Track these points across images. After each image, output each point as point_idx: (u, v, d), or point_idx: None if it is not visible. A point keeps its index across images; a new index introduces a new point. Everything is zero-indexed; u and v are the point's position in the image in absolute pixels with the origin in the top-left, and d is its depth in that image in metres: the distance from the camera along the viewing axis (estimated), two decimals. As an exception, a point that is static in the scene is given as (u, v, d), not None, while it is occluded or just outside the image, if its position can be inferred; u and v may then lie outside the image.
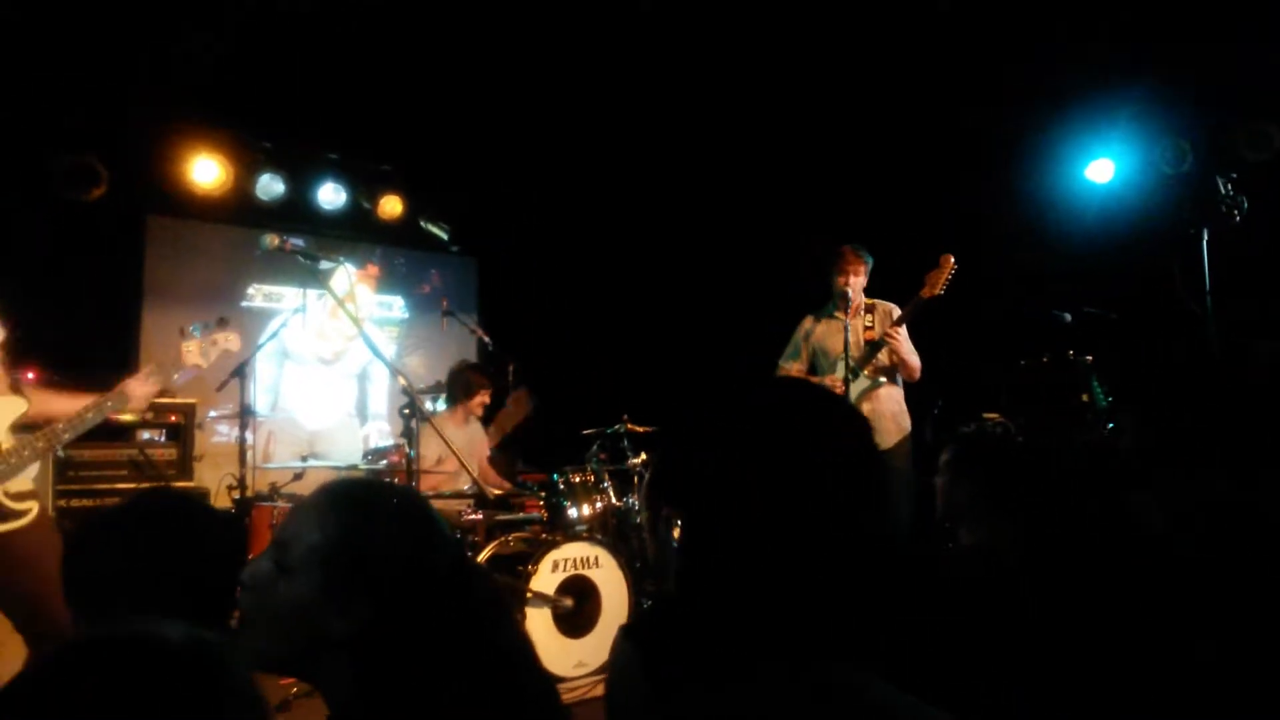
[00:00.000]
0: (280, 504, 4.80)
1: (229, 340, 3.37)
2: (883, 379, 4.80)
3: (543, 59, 5.62)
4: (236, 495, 4.74)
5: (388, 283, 7.93)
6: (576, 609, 4.39)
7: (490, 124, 6.43)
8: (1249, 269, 4.70)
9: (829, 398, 1.13)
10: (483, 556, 4.44)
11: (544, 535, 4.70)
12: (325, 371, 7.48)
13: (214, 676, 0.81)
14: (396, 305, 8.01)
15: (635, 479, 5.64)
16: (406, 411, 4.05)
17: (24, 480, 2.91)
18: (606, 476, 5.27)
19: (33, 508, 2.88)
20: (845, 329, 4.64)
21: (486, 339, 6.17)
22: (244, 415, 4.65)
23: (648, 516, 1.09)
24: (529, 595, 4.23)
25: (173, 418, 5.41)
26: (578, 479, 5.07)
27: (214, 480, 5.60)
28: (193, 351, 3.26)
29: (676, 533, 1.02)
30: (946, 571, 2.15)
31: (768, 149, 6.51)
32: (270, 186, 6.66)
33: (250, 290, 7.17)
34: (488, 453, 5.93)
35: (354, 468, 5.05)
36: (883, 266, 4.94)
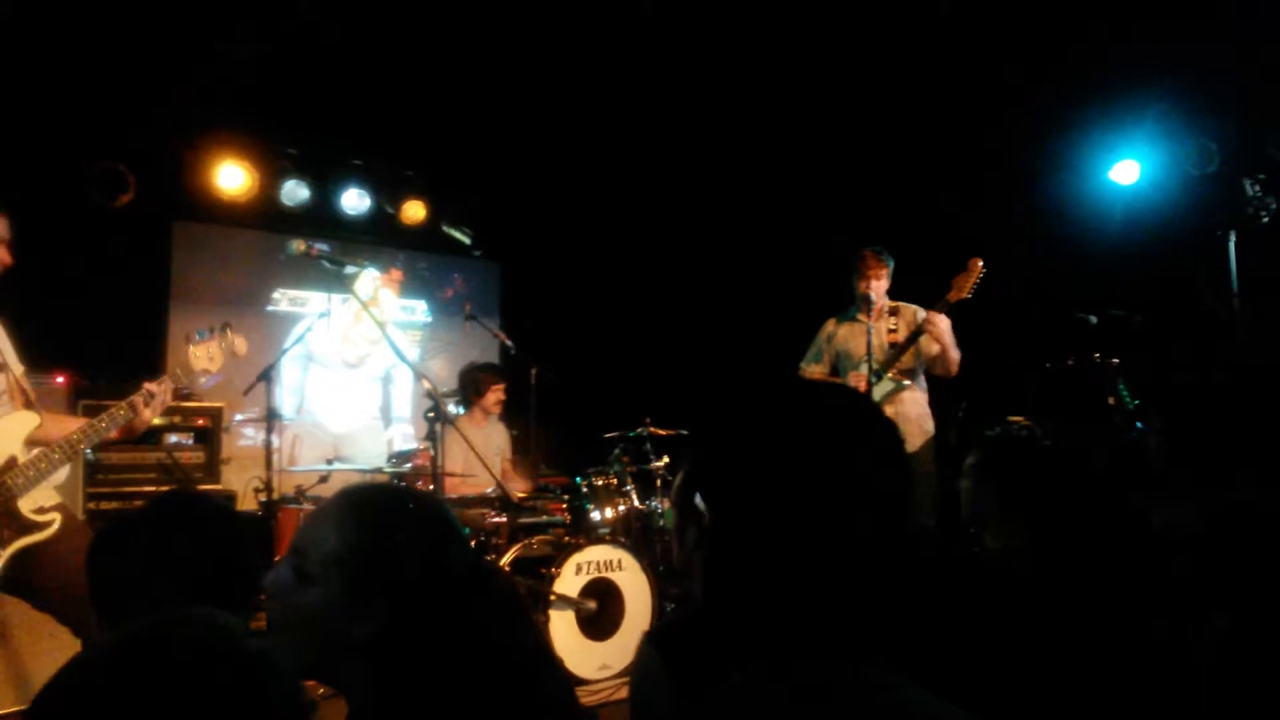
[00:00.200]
0: (306, 506, 4.85)
1: (233, 343, 3.38)
2: (906, 382, 4.78)
3: (564, 64, 5.63)
4: (263, 498, 4.78)
5: (411, 287, 7.98)
6: (600, 612, 4.40)
7: (512, 129, 6.45)
8: (1277, 270, 4.65)
9: (856, 399, 1.13)
10: (506, 559, 4.46)
11: (567, 538, 4.72)
12: (349, 375, 7.53)
13: (262, 676, 0.82)
14: (419, 309, 8.05)
15: (658, 482, 5.64)
16: (431, 415, 4.08)
17: (47, 492, 2.93)
18: (629, 479, 5.28)
19: (55, 519, 2.90)
20: (868, 332, 4.63)
21: (509, 343, 6.19)
22: (270, 419, 4.69)
23: (676, 519, 1.09)
24: (553, 598, 4.24)
25: (200, 421, 5.48)
26: (600, 482, 5.09)
27: (241, 483, 5.66)
28: (200, 356, 3.27)
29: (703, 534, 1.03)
30: (971, 575, 2.14)
31: (792, 152, 6.49)
32: (295, 192, 6.72)
33: (276, 295, 7.23)
34: (509, 453, 5.95)
35: (379, 471, 5.08)
36: (909, 269, 4.92)
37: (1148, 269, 5.34)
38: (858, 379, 4.69)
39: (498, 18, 5.17)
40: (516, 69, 5.70)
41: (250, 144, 6.46)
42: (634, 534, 5.08)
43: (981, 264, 4.52)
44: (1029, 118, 5.71)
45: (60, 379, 4.95)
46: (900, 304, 4.89)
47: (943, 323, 4.55)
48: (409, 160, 7.20)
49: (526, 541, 4.65)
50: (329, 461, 5.84)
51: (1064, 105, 5.72)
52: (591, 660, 4.32)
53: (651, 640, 1.11)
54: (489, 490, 4.92)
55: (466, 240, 7.40)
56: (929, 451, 4.76)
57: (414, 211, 7.25)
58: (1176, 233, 5.35)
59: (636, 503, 5.23)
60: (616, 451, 5.67)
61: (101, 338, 5.78)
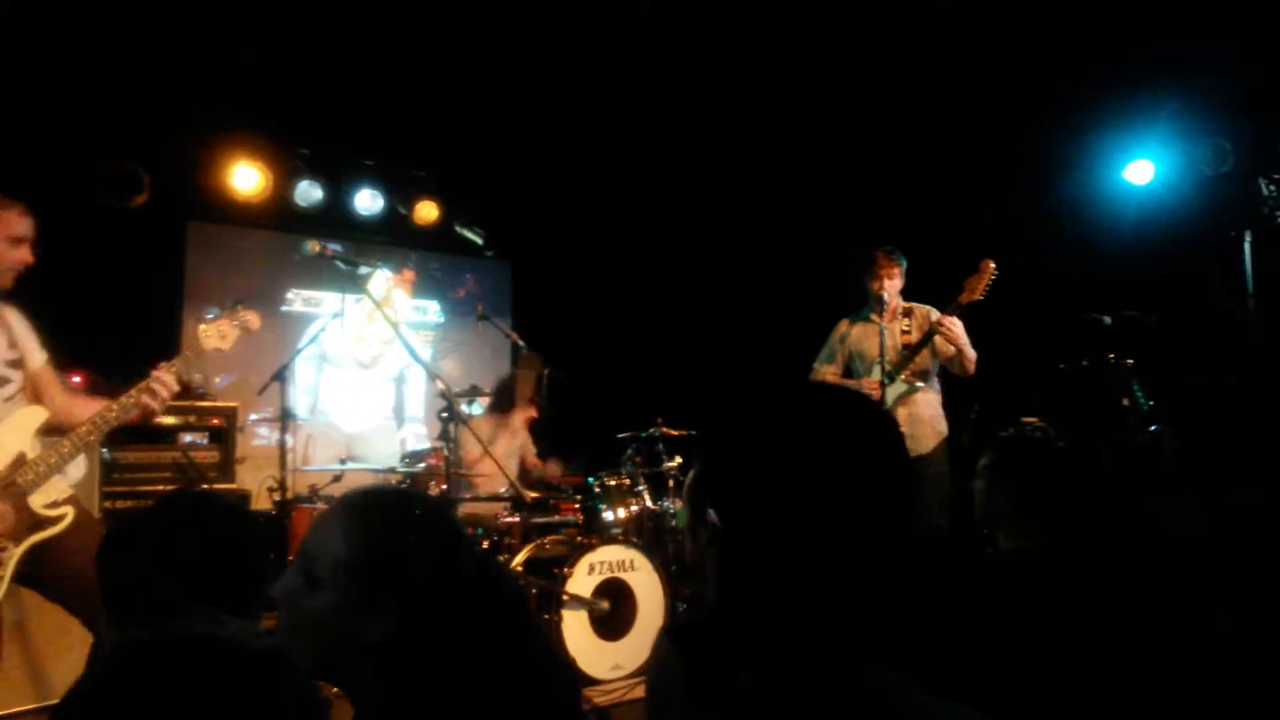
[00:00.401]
0: (319, 506, 4.87)
1: (246, 319, 3.33)
2: (919, 383, 4.77)
3: (577, 64, 5.65)
4: (277, 497, 4.80)
5: (423, 287, 8.00)
6: (612, 612, 4.41)
7: (524, 129, 6.47)
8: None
9: (862, 401, 1.14)
10: (519, 559, 4.47)
11: (580, 538, 4.73)
12: (363, 375, 7.56)
13: (279, 679, 0.83)
14: (432, 309, 8.08)
15: (670, 482, 5.65)
16: (444, 415, 4.09)
17: (59, 486, 2.93)
18: (642, 480, 5.29)
19: (68, 512, 2.91)
20: (881, 333, 4.62)
21: (521, 343, 6.21)
22: (284, 418, 4.71)
23: (688, 519, 1.11)
24: (565, 598, 4.25)
25: (215, 421, 5.51)
26: (613, 482, 5.09)
27: (255, 482, 5.69)
28: (210, 335, 3.24)
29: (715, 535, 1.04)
30: (984, 576, 2.14)
31: (804, 152, 6.49)
32: (309, 193, 6.75)
33: (289, 295, 7.27)
34: (533, 454, 5.94)
35: (392, 471, 5.11)
36: (923, 270, 4.91)
37: (1161, 269, 5.32)
38: (871, 385, 4.68)
39: (509, 19, 5.18)
40: (528, 70, 5.71)
41: (264, 145, 6.49)
42: (646, 534, 5.09)
43: (994, 265, 4.51)
44: (1042, 117, 5.69)
45: (76, 379, 4.98)
46: (914, 305, 4.88)
47: (956, 326, 4.54)
48: (421, 161, 7.23)
49: (539, 541, 4.66)
50: (342, 461, 5.87)
51: (1077, 105, 5.70)
52: (604, 660, 4.33)
53: (669, 636, 1.12)
54: (503, 490, 4.93)
55: (479, 240, 7.42)
56: (942, 453, 4.75)
57: (426, 212, 7.28)
58: (1191, 233, 5.33)
59: (649, 503, 5.24)
60: (629, 451, 5.68)
61: (116, 338, 5.81)
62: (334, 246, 3.98)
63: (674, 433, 5.73)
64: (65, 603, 2.95)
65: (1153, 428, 4.53)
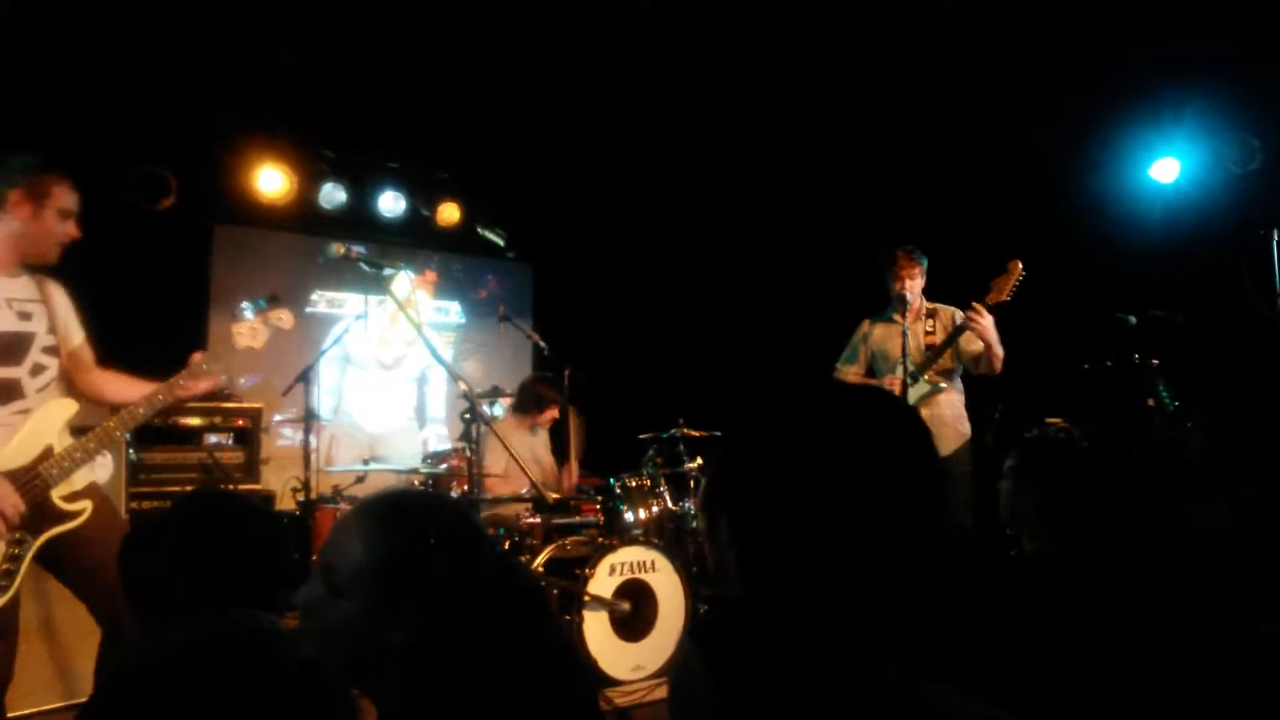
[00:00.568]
0: (342, 506, 4.90)
1: (281, 318, 3.37)
2: (943, 384, 4.74)
3: (599, 66, 5.66)
4: (301, 498, 4.84)
5: (445, 288, 8.04)
6: (633, 612, 4.41)
7: (546, 132, 6.49)
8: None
9: (887, 401, 1.14)
10: (540, 560, 4.48)
11: (601, 539, 4.73)
12: (385, 376, 7.60)
13: (311, 680, 0.83)
14: (453, 310, 8.11)
15: (691, 483, 5.65)
16: (468, 416, 4.10)
17: (79, 479, 2.93)
18: (662, 481, 5.29)
19: (87, 507, 2.91)
20: (904, 333, 4.60)
21: (542, 344, 6.22)
22: (308, 419, 4.74)
23: (706, 521, 1.11)
24: (587, 599, 4.26)
25: (240, 422, 5.55)
26: (634, 483, 5.09)
27: (279, 483, 5.74)
28: (243, 334, 3.26)
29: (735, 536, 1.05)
30: (1009, 578, 2.13)
31: (828, 152, 6.47)
32: (333, 195, 6.80)
33: (314, 297, 7.32)
34: (550, 458, 5.97)
35: (414, 471, 5.13)
36: (948, 270, 4.88)
37: (1188, 268, 5.26)
38: (892, 382, 4.66)
39: (533, 22, 5.20)
40: (550, 72, 5.73)
41: (288, 148, 6.54)
42: (667, 535, 5.09)
43: (1021, 266, 4.46)
44: (1067, 116, 5.64)
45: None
46: (938, 306, 4.86)
47: (986, 317, 4.48)
48: (444, 163, 7.27)
49: (560, 542, 4.67)
50: (365, 462, 5.90)
51: (1102, 103, 5.65)
52: (625, 661, 4.33)
53: (693, 636, 1.12)
54: (525, 491, 4.95)
55: (500, 242, 7.45)
56: (966, 454, 4.72)
57: (449, 213, 7.32)
58: (1217, 232, 5.27)
59: (670, 504, 5.23)
60: (650, 453, 5.68)
61: (143, 339, 5.85)
62: (358, 248, 4.00)
63: (695, 434, 5.73)
64: (78, 591, 2.96)
65: (1179, 429, 4.48)
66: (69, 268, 3.12)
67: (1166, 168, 5.92)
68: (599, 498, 5.16)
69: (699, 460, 5.70)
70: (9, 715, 3.48)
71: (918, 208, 6.20)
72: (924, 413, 4.65)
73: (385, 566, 1.32)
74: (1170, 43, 5.05)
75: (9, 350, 2.86)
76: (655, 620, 4.45)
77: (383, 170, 7.09)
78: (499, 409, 6.19)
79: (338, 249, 3.79)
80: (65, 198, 3.03)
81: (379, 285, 4.07)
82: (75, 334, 3.14)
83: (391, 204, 7.12)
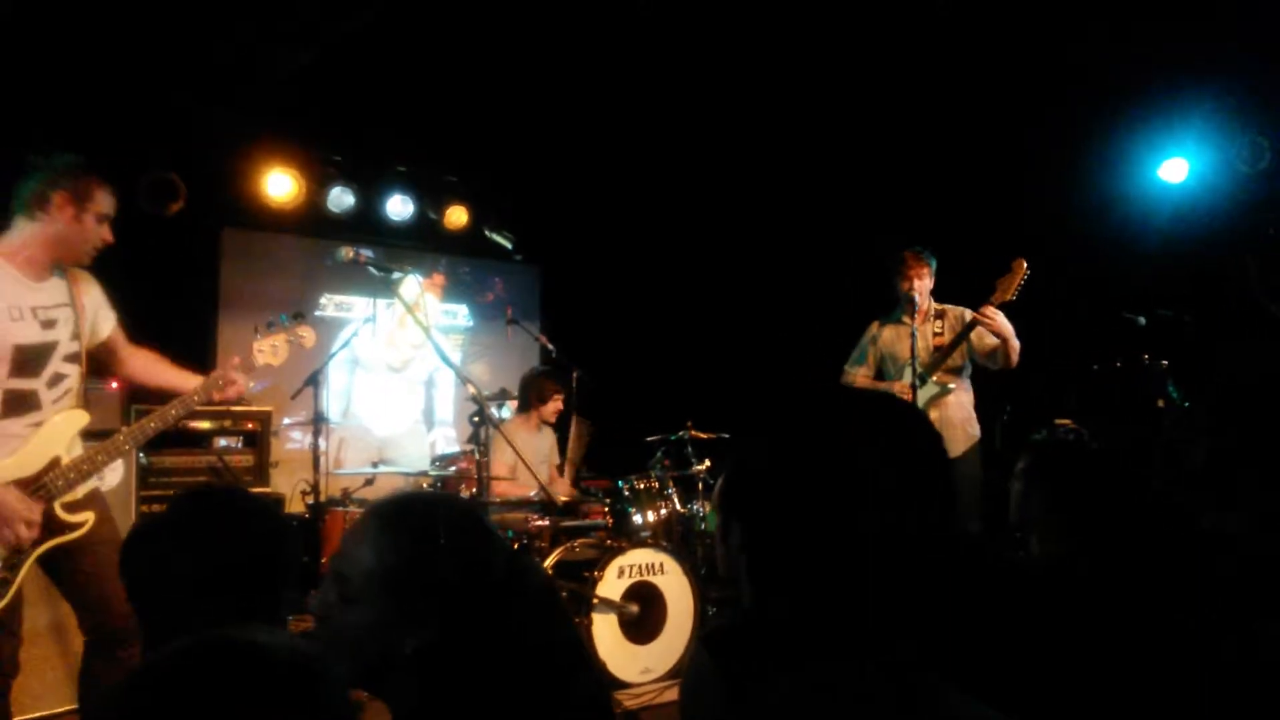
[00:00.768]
0: (351, 509, 4.91)
1: (304, 336, 3.39)
2: (951, 385, 4.73)
3: (607, 69, 5.66)
4: (310, 500, 4.85)
5: (453, 291, 8.04)
6: (642, 615, 4.41)
7: (553, 135, 6.50)
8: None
9: (895, 404, 1.15)
10: (549, 562, 4.48)
11: (609, 541, 4.73)
12: (393, 379, 7.61)
13: (311, 687, 0.83)
14: (461, 313, 8.12)
15: (699, 485, 5.64)
16: (476, 419, 4.10)
17: (82, 488, 2.92)
18: (671, 483, 5.28)
19: (89, 518, 2.90)
20: (913, 334, 4.60)
21: (550, 346, 6.23)
22: (317, 422, 4.75)
23: (718, 524, 1.12)
24: (595, 601, 4.26)
25: (250, 425, 5.57)
26: (642, 485, 5.09)
27: (288, 486, 5.75)
28: (264, 351, 3.28)
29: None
30: (1017, 580, 2.13)
31: (835, 153, 6.47)
32: (341, 199, 6.81)
33: (322, 300, 7.33)
34: (557, 459, 5.98)
35: (423, 474, 5.14)
36: (954, 269, 4.88)
37: (1197, 269, 5.24)
38: (901, 388, 4.65)
39: (539, 25, 5.20)
40: (558, 76, 5.73)
41: (297, 152, 6.56)
42: (675, 537, 5.08)
43: (1026, 265, 4.46)
44: (1075, 115, 5.63)
45: (114, 384, 5.06)
46: (947, 306, 4.85)
47: (998, 315, 4.48)
48: (451, 166, 7.28)
49: (569, 545, 4.67)
50: (374, 464, 5.91)
51: (1111, 103, 5.63)
52: (634, 664, 4.33)
53: (703, 643, 1.13)
54: (533, 494, 4.95)
55: (508, 245, 7.46)
56: (975, 455, 4.71)
57: (456, 217, 7.33)
58: (1227, 232, 5.25)
59: (678, 506, 5.23)
60: (658, 455, 5.68)
61: (152, 343, 5.88)
62: (366, 252, 4.00)
63: (703, 436, 5.72)
64: (68, 596, 2.95)
65: (1188, 430, 4.46)
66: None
67: (1175, 168, 5.89)
68: (607, 500, 5.16)
69: (707, 462, 5.70)
70: (18, 719, 3.49)
71: (925, 207, 6.19)
72: (932, 414, 4.65)
73: (395, 571, 1.33)
74: (1179, 43, 5.04)
75: (29, 363, 2.85)
76: (664, 623, 4.45)
77: (391, 174, 7.11)
78: (507, 411, 6.19)
79: (346, 252, 3.79)
80: (105, 202, 3.04)
81: (387, 288, 4.08)
82: (105, 325, 3.15)
83: (399, 207, 7.13)
